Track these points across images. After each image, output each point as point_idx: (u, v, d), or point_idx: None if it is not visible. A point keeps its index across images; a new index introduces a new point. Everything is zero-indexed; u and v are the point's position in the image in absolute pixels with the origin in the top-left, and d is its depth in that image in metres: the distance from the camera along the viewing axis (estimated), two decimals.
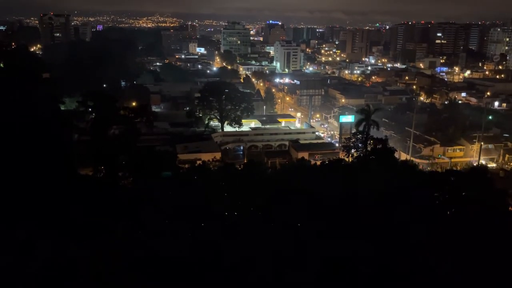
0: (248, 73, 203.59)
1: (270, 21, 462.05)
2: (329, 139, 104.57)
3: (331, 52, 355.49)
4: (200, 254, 26.17)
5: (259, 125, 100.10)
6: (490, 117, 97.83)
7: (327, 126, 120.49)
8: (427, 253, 28.00)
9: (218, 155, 69.70)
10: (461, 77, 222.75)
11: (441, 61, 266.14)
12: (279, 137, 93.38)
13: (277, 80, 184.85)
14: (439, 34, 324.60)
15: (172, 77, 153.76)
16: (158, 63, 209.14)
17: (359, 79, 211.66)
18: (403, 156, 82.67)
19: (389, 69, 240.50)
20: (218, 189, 36.98)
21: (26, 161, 34.50)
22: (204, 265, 25.25)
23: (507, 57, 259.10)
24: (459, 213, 34.83)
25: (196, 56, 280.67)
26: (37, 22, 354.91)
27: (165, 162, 47.58)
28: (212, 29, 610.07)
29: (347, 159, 62.77)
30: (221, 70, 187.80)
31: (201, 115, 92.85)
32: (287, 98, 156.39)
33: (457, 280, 26.20)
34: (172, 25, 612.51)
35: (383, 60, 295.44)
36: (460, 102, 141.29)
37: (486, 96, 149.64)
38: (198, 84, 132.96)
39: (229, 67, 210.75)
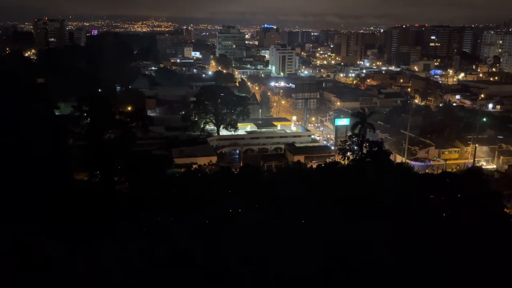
0: (243, 77, 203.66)
1: (265, 25, 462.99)
2: (325, 142, 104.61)
3: (326, 55, 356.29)
4: (201, 254, 26.10)
5: (254, 128, 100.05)
6: (484, 119, 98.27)
7: (322, 129, 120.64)
8: (424, 255, 28.06)
9: (214, 159, 69.81)
10: (455, 79, 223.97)
11: (435, 63, 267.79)
12: (275, 140, 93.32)
13: (273, 83, 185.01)
14: (433, 37, 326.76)
15: (167, 81, 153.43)
16: (153, 67, 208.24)
17: (354, 82, 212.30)
18: (399, 159, 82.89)
19: (384, 72, 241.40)
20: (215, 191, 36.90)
21: (21, 166, 34.30)
22: (204, 265, 25.18)
23: (501, 60, 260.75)
24: (454, 215, 34.91)
25: (192, 60, 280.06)
26: (31, 27, 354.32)
27: (161, 166, 47.50)
28: (207, 33, 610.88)
29: (343, 162, 62.89)
30: (217, 74, 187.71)
31: (196, 119, 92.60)
32: (283, 102, 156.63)
33: (453, 280, 26.27)
34: (167, 29, 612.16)
35: (378, 63, 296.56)
36: (454, 104, 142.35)
37: (480, 98, 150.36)
38: (193, 88, 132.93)
39: (224, 71, 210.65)
